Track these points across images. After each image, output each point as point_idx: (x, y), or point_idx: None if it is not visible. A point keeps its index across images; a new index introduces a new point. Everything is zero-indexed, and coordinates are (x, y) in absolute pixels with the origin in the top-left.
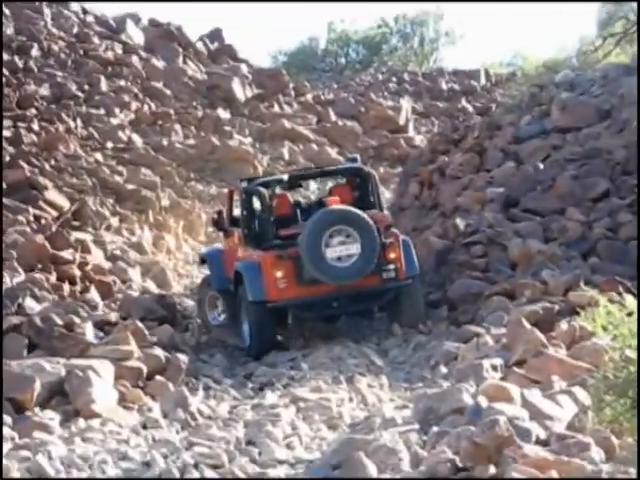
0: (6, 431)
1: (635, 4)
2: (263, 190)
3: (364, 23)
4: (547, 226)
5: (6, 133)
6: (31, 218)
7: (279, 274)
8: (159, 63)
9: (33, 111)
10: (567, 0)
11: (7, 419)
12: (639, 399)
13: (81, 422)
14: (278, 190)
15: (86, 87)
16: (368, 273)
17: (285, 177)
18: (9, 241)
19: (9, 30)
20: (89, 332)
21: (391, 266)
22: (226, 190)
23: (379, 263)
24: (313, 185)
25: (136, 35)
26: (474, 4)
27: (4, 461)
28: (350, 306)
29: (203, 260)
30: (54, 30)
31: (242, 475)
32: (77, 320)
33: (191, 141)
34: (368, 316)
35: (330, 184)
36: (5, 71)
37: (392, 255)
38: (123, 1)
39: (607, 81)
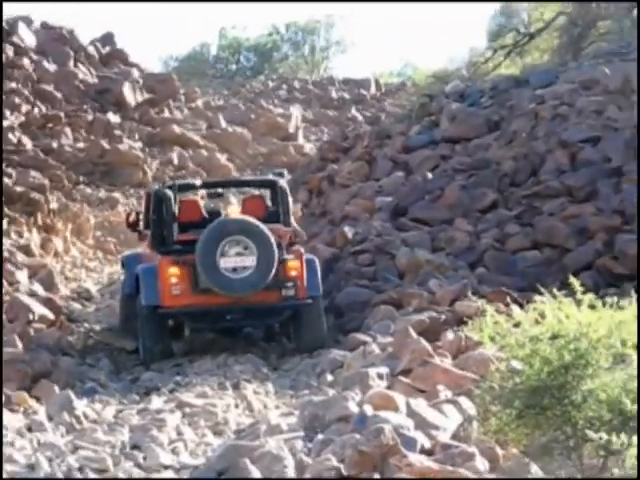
0: None
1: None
2: (168, 194)
3: (256, 30)
4: (435, 236)
5: None
6: None
7: (174, 280)
8: (50, 66)
9: None
10: None
11: None
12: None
13: None
14: (190, 196)
15: None
16: (262, 287)
17: (198, 183)
18: None
19: None
20: None
21: (291, 283)
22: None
23: (279, 279)
24: (233, 196)
25: (28, 37)
26: (365, 13)
27: None
28: (245, 320)
29: (123, 264)
30: None
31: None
32: None
33: (81, 144)
34: (268, 333)
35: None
36: None
37: (293, 272)
38: (14, 1)
39: (497, 92)
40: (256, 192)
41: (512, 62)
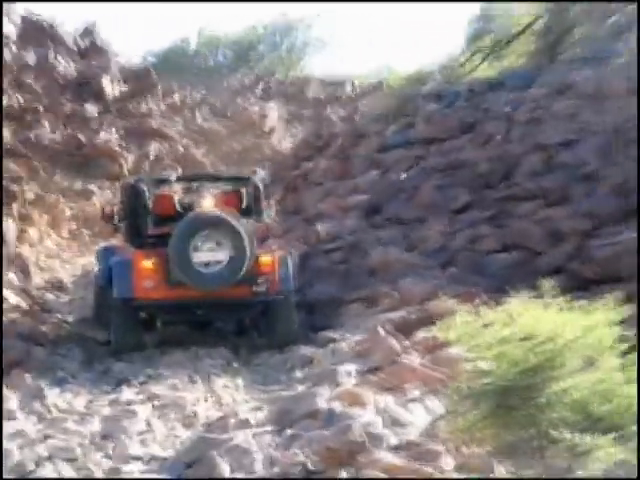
0: None
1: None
2: (142, 187)
3: (235, 28)
4: (408, 235)
5: None
6: None
7: (146, 273)
8: (30, 57)
9: None
10: None
11: None
12: None
13: None
14: (164, 190)
15: None
16: (234, 282)
17: (173, 177)
18: None
19: None
20: None
21: (262, 279)
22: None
23: (251, 274)
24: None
25: (7, 28)
26: (343, 14)
27: None
28: (216, 314)
29: (97, 256)
30: None
31: (95, 469)
32: None
33: (58, 137)
34: (239, 327)
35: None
36: None
37: (265, 268)
38: None
39: (472, 95)
40: (231, 188)
41: (489, 65)
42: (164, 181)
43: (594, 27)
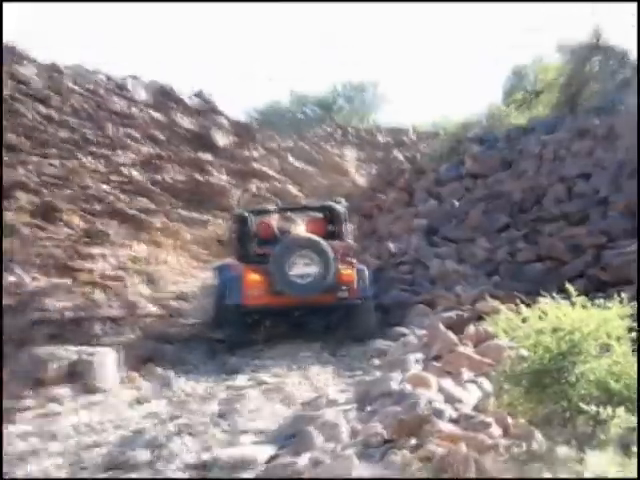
0: (29, 403)
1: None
2: (248, 217)
3: (318, 87)
4: (460, 251)
5: (32, 166)
6: (52, 235)
7: (254, 284)
8: (158, 115)
9: (54, 150)
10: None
11: (30, 393)
12: None
13: (89, 397)
14: (266, 218)
15: (98, 132)
16: (323, 291)
17: (272, 208)
18: (34, 252)
19: (37, 84)
20: (96, 326)
21: (344, 287)
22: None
23: (335, 284)
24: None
25: (139, 92)
26: (405, 74)
27: (26, 426)
28: (309, 316)
29: (215, 271)
30: (73, 86)
31: (214, 442)
32: (87, 316)
33: (180, 177)
34: (327, 326)
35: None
36: (33, 117)
37: (346, 279)
38: (125, 64)
39: (509, 139)
40: (318, 215)
41: (522, 114)
42: (265, 211)
43: (605, 82)
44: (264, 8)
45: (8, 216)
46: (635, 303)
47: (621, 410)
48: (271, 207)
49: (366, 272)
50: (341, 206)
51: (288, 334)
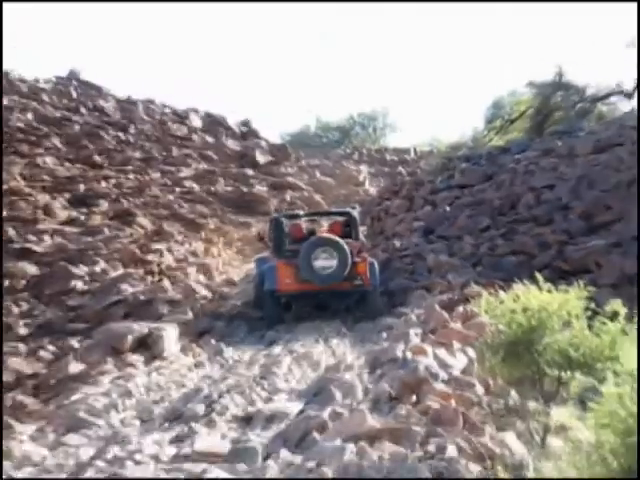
0: (109, 367)
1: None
2: (282, 220)
3: (338, 116)
4: (451, 246)
5: (114, 180)
6: (128, 234)
7: (285, 274)
8: (210, 139)
9: (130, 167)
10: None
11: (110, 360)
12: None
13: (157, 362)
14: (295, 221)
15: (164, 153)
16: (341, 280)
17: (300, 213)
18: (114, 248)
19: (116, 115)
20: (162, 306)
21: (358, 277)
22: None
23: (351, 274)
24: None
25: (196, 121)
26: (408, 104)
27: (107, 386)
28: (331, 300)
29: (255, 263)
30: (144, 116)
31: (256, 398)
32: (154, 298)
33: (229, 189)
34: (345, 307)
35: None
36: (113, 141)
37: (360, 270)
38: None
39: (490, 157)
40: (338, 219)
41: (500, 138)
42: (295, 216)
43: (566, 112)
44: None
45: (96, 220)
46: (590, 288)
47: (579, 374)
48: (300, 213)
49: (375, 265)
50: (355, 212)
51: (314, 314)
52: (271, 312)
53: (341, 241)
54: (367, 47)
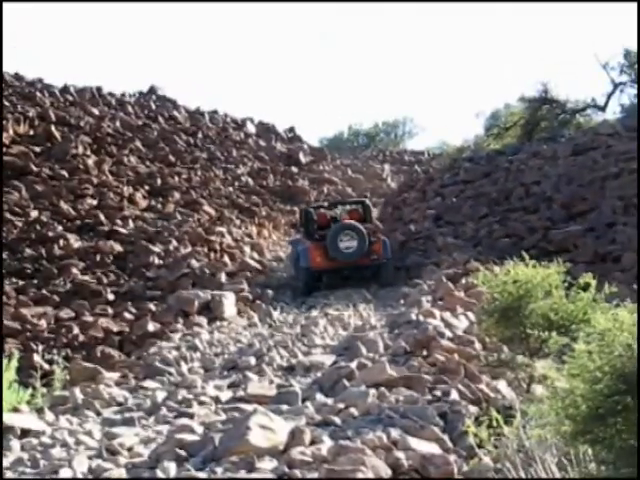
0: (179, 326)
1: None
2: (311, 209)
3: (367, 123)
4: (456, 230)
5: (184, 176)
6: (195, 219)
7: (317, 254)
8: (263, 143)
9: (197, 165)
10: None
11: (180, 320)
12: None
13: (218, 323)
14: (321, 210)
15: (225, 154)
16: (361, 256)
17: (325, 204)
18: (184, 230)
19: (186, 123)
20: (223, 277)
21: (374, 253)
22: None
23: (369, 251)
24: (342, 208)
25: (251, 128)
26: (423, 113)
27: (177, 342)
28: (354, 272)
29: (291, 244)
30: (209, 124)
31: (298, 352)
32: (216, 271)
33: (277, 183)
34: (365, 278)
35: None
36: (184, 144)
37: (376, 248)
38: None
39: (489, 158)
40: (355, 207)
41: (497, 142)
42: (322, 207)
43: (551, 122)
44: (294, 53)
45: (170, 208)
46: (568, 264)
47: (557, 334)
48: (325, 203)
49: (387, 243)
50: (368, 200)
51: (342, 284)
52: (307, 284)
53: (360, 226)
54: (377, 50)
